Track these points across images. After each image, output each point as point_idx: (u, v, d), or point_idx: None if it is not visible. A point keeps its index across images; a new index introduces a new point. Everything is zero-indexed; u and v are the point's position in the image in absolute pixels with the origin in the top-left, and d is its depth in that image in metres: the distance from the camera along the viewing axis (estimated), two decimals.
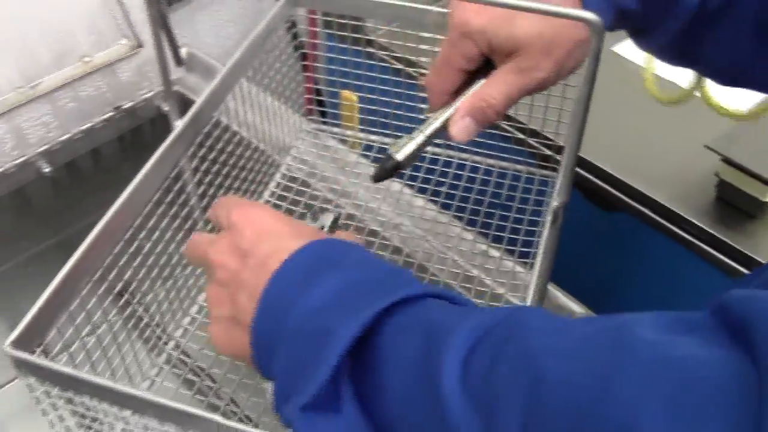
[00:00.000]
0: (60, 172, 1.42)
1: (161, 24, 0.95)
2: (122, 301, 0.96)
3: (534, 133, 1.23)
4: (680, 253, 1.29)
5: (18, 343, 0.74)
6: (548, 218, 0.87)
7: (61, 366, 0.73)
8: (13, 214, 1.41)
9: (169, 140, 0.92)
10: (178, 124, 0.94)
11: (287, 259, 0.63)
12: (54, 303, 0.78)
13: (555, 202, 0.87)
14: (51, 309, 0.78)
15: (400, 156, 0.84)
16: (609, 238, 1.43)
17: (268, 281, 0.62)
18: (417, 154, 0.85)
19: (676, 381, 0.43)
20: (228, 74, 1.00)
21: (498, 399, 0.48)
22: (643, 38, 0.88)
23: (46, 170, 1.37)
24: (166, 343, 1.06)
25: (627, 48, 1.57)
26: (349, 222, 1.15)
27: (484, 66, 0.85)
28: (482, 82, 0.84)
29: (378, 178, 0.86)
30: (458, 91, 0.86)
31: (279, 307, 0.61)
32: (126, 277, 0.92)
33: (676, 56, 0.89)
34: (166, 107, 1.47)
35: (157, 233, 0.96)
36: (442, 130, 0.85)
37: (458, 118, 0.84)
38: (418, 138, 0.85)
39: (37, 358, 0.73)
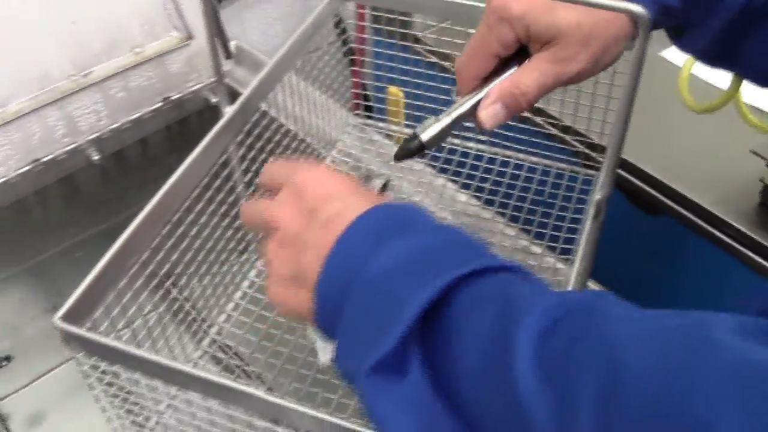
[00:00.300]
0: (108, 161, 1.43)
1: (213, 17, 0.96)
2: (164, 289, 0.97)
3: (577, 133, 1.23)
4: (722, 257, 1.29)
5: (67, 317, 0.75)
6: (590, 211, 0.88)
7: (109, 339, 0.74)
8: (62, 201, 1.43)
9: (218, 127, 0.94)
10: (227, 111, 0.95)
11: (355, 219, 0.62)
12: (102, 280, 0.80)
13: (597, 195, 0.87)
14: (99, 286, 0.80)
15: (424, 136, 0.83)
16: (651, 241, 1.43)
17: (334, 241, 0.61)
18: (442, 137, 0.84)
19: (757, 384, 0.42)
20: (276, 66, 1.01)
21: (572, 383, 0.48)
22: (683, 38, 0.87)
23: (96, 158, 1.39)
24: (208, 329, 1.07)
25: (674, 53, 1.57)
26: None
27: (517, 54, 0.83)
28: (514, 69, 0.83)
29: (400, 157, 0.85)
30: (488, 78, 0.84)
31: (346, 267, 0.60)
32: (169, 264, 0.93)
33: (715, 57, 0.88)
34: (214, 99, 1.49)
35: (204, 217, 0.97)
36: (469, 115, 0.84)
37: (489, 103, 0.82)
38: (444, 120, 0.83)
39: (85, 332, 0.75)
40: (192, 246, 0.97)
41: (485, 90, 0.83)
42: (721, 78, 1.02)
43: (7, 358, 1.58)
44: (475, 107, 0.83)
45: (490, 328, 0.53)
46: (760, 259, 1.24)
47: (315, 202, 0.66)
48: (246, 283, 1.11)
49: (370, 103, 1.45)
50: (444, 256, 0.59)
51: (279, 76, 1.03)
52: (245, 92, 0.96)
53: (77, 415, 1.60)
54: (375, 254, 0.59)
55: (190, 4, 1.44)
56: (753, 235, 1.25)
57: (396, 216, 0.63)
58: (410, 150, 0.83)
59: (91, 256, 1.52)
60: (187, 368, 0.72)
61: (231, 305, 1.08)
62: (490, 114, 0.82)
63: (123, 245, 0.82)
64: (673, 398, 0.43)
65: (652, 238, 1.43)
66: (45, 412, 1.61)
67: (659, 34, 0.87)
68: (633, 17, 0.72)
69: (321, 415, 0.67)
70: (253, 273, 1.12)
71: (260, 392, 0.68)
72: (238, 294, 1.09)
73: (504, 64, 0.84)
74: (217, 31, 1.46)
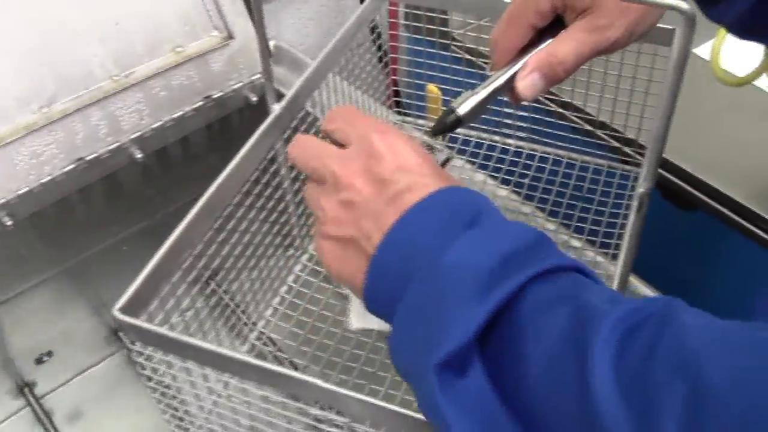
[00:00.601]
0: (150, 159, 1.45)
1: (257, 16, 0.98)
2: (211, 285, 0.98)
3: (615, 130, 1.24)
4: (757, 252, 1.30)
5: (125, 309, 0.77)
6: (634, 204, 0.89)
7: (165, 330, 0.76)
8: (105, 199, 1.45)
9: (267, 123, 0.95)
10: (275, 108, 0.97)
11: (425, 197, 0.61)
12: (157, 273, 0.82)
13: (641, 188, 0.88)
14: (154, 279, 0.81)
15: (461, 110, 0.82)
16: (686, 236, 1.44)
17: (400, 216, 0.61)
18: (479, 110, 0.83)
19: None
20: (321, 63, 1.03)
21: (654, 399, 0.46)
22: (716, 7, 0.84)
23: (138, 156, 1.40)
24: (254, 324, 1.09)
25: (705, 49, 1.58)
26: None
27: (552, 25, 0.83)
28: (549, 41, 0.82)
29: (437, 131, 0.84)
30: (524, 50, 0.83)
31: (408, 248, 0.60)
32: (219, 259, 0.94)
33: (748, 29, 0.87)
34: (254, 97, 1.50)
35: (253, 212, 0.99)
36: (505, 88, 0.83)
37: (526, 73, 0.81)
38: (481, 93, 0.82)
39: (143, 323, 0.76)
40: (240, 241, 0.99)
41: (521, 62, 0.82)
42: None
43: (49, 354, 1.61)
44: (511, 80, 0.83)
45: (563, 332, 0.52)
46: None
47: (388, 173, 0.64)
48: (291, 278, 1.12)
49: (402, 100, 1.47)
50: (515, 255, 0.57)
51: (324, 73, 1.04)
52: (292, 89, 0.98)
53: (117, 410, 1.63)
54: (443, 246, 0.58)
55: (230, 4, 1.46)
56: None
57: (464, 202, 0.62)
58: (447, 124, 0.82)
59: (132, 255, 1.56)
60: (242, 356, 0.73)
61: (277, 299, 1.10)
62: (528, 84, 0.81)
63: (177, 239, 0.83)
64: (761, 413, 0.42)
65: (686, 233, 1.44)
66: (85, 408, 1.64)
67: None
68: (679, 12, 0.73)
69: (378, 402, 0.68)
70: (297, 267, 1.14)
71: (317, 380, 0.70)
72: (284, 288, 1.11)
73: (539, 36, 0.83)
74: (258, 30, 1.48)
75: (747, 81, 1.14)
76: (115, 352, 1.70)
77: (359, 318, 0.76)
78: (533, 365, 0.53)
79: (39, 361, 1.61)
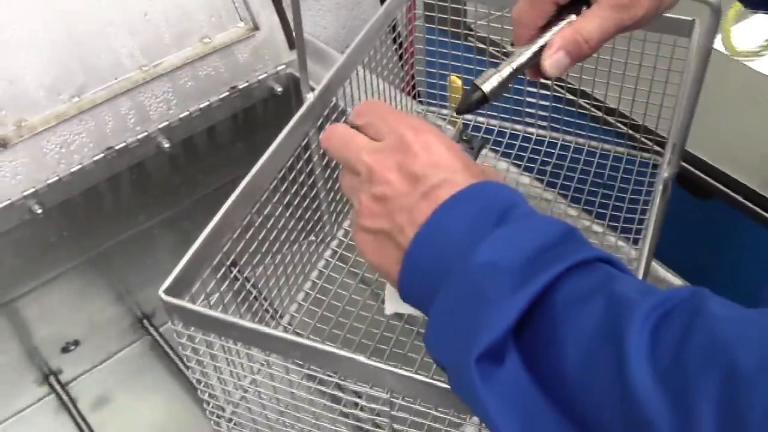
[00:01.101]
0: (177, 149, 1.48)
1: (294, 8, 1.01)
2: (233, 278, 0.97)
3: (634, 119, 1.26)
4: None
5: (169, 291, 0.79)
6: (659, 188, 0.91)
7: (209, 310, 0.78)
8: (132, 188, 1.48)
9: (302, 111, 0.98)
10: (309, 97, 0.99)
11: (456, 193, 0.63)
12: (201, 256, 0.84)
13: (665, 173, 0.91)
14: (198, 261, 0.84)
15: (486, 87, 0.81)
16: (702, 224, 1.47)
17: (433, 211, 0.62)
18: (502, 88, 0.82)
19: None
20: (351, 54, 1.05)
21: (690, 384, 0.47)
22: None
23: (166, 146, 1.43)
24: (280, 319, 1.11)
25: (719, 41, 1.61)
26: None
27: (573, 1, 0.82)
28: (572, 17, 0.81)
29: (461, 110, 0.83)
30: (546, 27, 0.82)
31: (441, 242, 0.61)
32: (246, 254, 0.95)
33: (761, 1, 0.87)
34: (278, 88, 1.53)
35: (286, 197, 1.01)
36: (528, 65, 0.83)
37: (552, 51, 0.80)
38: (504, 71, 0.81)
39: (188, 303, 0.79)
40: (269, 228, 1.01)
41: (544, 39, 0.82)
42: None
43: (76, 343, 1.63)
44: (533, 57, 0.82)
45: (598, 322, 0.54)
46: None
47: (421, 169, 0.65)
48: (315, 274, 1.15)
49: (422, 90, 1.49)
50: (548, 249, 0.59)
51: (353, 65, 1.06)
52: (325, 78, 1.00)
53: (141, 397, 1.65)
54: (476, 241, 0.59)
55: None
56: None
57: (495, 197, 0.63)
58: (472, 102, 0.82)
59: (158, 243, 1.58)
60: (288, 335, 0.75)
61: (301, 295, 1.12)
62: (554, 62, 0.80)
63: (218, 222, 0.85)
64: None
65: (703, 221, 1.46)
66: (110, 395, 1.65)
67: None
68: (706, 5, 0.74)
69: (415, 375, 0.70)
70: (327, 253, 1.16)
71: (359, 356, 0.72)
72: (308, 285, 1.13)
73: (560, 12, 0.82)
74: (282, 22, 1.51)
75: (754, 53, 1.16)
76: (139, 339, 1.73)
77: (394, 304, 0.78)
78: (570, 356, 0.54)
79: (65, 349, 1.63)
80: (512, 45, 0.84)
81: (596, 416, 0.53)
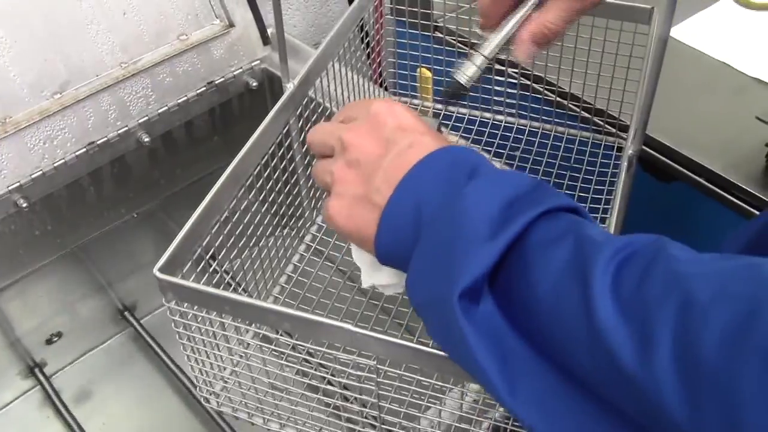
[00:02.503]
0: (156, 143, 1.52)
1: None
2: (212, 268, 0.99)
3: (597, 106, 1.31)
4: (733, 218, 1.37)
5: (163, 269, 0.83)
6: (624, 164, 0.96)
7: (203, 286, 0.82)
8: (115, 181, 1.51)
9: (283, 99, 1.01)
10: (289, 86, 1.03)
11: (428, 154, 0.67)
12: (191, 237, 0.88)
13: (630, 150, 0.96)
14: (189, 241, 0.88)
15: (463, 79, 0.86)
16: (666, 206, 1.51)
17: (408, 170, 0.66)
18: (478, 77, 0.87)
19: None
20: (326, 48, 1.09)
21: (650, 314, 0.51)
22: None
23: (146, 140, 1.47)
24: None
25: (679, 30, 1.66)
26: None
27: None
28: (532, 1, 0.85)
29: (445, 101, 0.89)
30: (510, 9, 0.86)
31: (419, 196, 0.65)
32: (217, 245, 0.97)
33: None
34: (254, 83, 1.57)
35: (264, 191, 1.04)
36: (500, 52, 0.87)
37: (522, 44, 0.85)
38: (478, 60, 0.86)
39: (182, 280, 0.83)
40: (245, 230, 1.04)
41: (510, 23, 0.85)
42: None
43: (59, 334, 1.66)
44: (503, 44, 0.86)
45: (566, 262, 0.57)
46: None
47: (393, 133, 0.70)
48: (290, 268, 1.18)
49: (395, 81, 1.53)
50: (522, 196, 0.63)
51: (328, 58, 1.10)
52: (303, 69, 1.04)
53: (125, 388, 1.67)
54: (453, 194, 0.63)
55: None
56: (761, 196, 1.33)
57: (465, 157, 0.67)
58: (452, 94, 0.87)
59: (139, 236, 1.61)
60: (278, 307, 0.79)
61: (277, 289, 1.16)
62: (525, 53, 0.85)
63: (209, 204, 0.89)
64: (744, 325, 0.47)
65: (666, 203, 1.51)
66: (94, 387, 1.68)
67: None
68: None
69: (401, 341, 0.74)
70: (296, 258, 1.20)
71: (348, 324, 0.76)
72: (283, 278, 1.17)
73: None
74: (256, 19, 1.55)
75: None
76: (121, 330, 1.76)
77: (369, 276, 0.82)
78: (540, 292, 0.58)
79: (49, 341, 1.66)
80: (481, 30, 0.88)
81: (565, 349, 0.57)
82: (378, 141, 0.71)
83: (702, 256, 0.54)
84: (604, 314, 0.53)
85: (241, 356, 0.93)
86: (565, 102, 1.30)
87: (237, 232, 1.01)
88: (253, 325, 0.91)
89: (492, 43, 0.86)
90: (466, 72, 0.86)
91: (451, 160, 0.67)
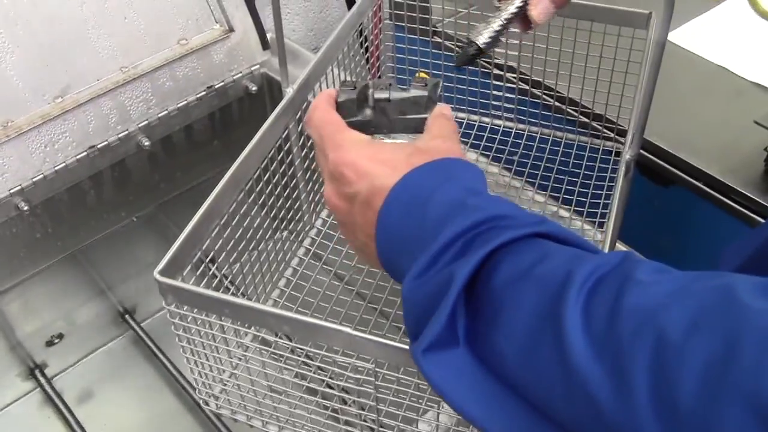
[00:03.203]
0: (156, 146, 1.52)
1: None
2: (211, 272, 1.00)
3: (596, 111, 1.32)
4: (731, 222, 1.38)
5: (163, 272, 0.84)
6: (621, 169, 0.97)
7: (202, 288, 0.83)
8: (115, 185, 1.52)
9: (283, 103, 1.02)
10: (288, 91, 1.04)
11: (386, 198, 0.67)
12: (192, 239, 0.89)
13: (627, 155, 0.96)
14: (189, 245, 0.88)
15: (480, 41, 0.85)
16: (664, 210, 1.52)
17: (377, 219, 0.68)
18: (496, 40, 0.86)
19: None
20: (326, 52, 1.10)
21: (623, 354, 0.50)
22: None
23: (146, 144, 1.47)
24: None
25: (678, 35, 1.67)
26: None
27: None
28: None
29: (461, 62, 0.87)
30: None
31: (395, 245, 0.67)
32: (216, 248, 0.98)
33: None
34: (253, 87, 1.58)
35: (262, 196, 1.05)
36: (517, 16, 0.86)
37: (539, 3, 0.85)
38: (495, 23, 0.85)
39: (181, 283, 0.84)
40: (245, 234, 1.05)
41: None
42: None
43: (60, 336, 1.66)
44: (519, 9, 0.86)
45: (534, 305, 0.56)
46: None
47: (352, 187, 0.71)
48: (289, 272, 1.19)
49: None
50: (473, 239, 0.62)
51: (327, 62, 1.11)
52: (303, 73, 1.05)
53: (125, 390, 1.67)
54: (416, 237, 0.65)
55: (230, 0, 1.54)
56: (759, 200, 1.33)
57: (422, 184, 0.67)
58: (469, 56, 0.86)
59: (139, 239, 1.61)
60: (277, 310, 0.80)
61: (276, 292, 1.16)
62: (541, 12, 0.85)
63: (208, 207, 0.90)
64: (720, 367, 0.46)
65: (665, 207, 1.51)
66: (95, 389, 1.68)
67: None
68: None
69: (400, 345, 0.76)
70: (295, 261, 1.21)
71: (346, 328, 0.76)
72: (282, 282, 1.18)
73: None
74: (255, 23, 1.55)
75: None
76: (121, 333, 1.76)
77: None
78: (514, 337, 0.57)
79: (50, 343, 1.66)
80: (499, 1, 0.88)
81: (542, 393, 0.56)
82: (345, 198, 0.73)
83: (670, 277, 0.53)
84: (579, 355, 0.52)
85: (240, 359, 0.94)
86: (564, 106, 1.31)
87: (236, 236, 1.02)
88: (252, 328, 0.92)
89: (510, 7, 0.86)
90: (484, 35, 0.85)
91: (408, 198, 0.67)
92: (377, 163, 0.71)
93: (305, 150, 1.14)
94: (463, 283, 0.59)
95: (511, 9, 0.86)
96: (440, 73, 1.30)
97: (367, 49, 1.36)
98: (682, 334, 0.48)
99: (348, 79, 0.77)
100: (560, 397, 0.54)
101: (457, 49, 1.37)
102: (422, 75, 1.37)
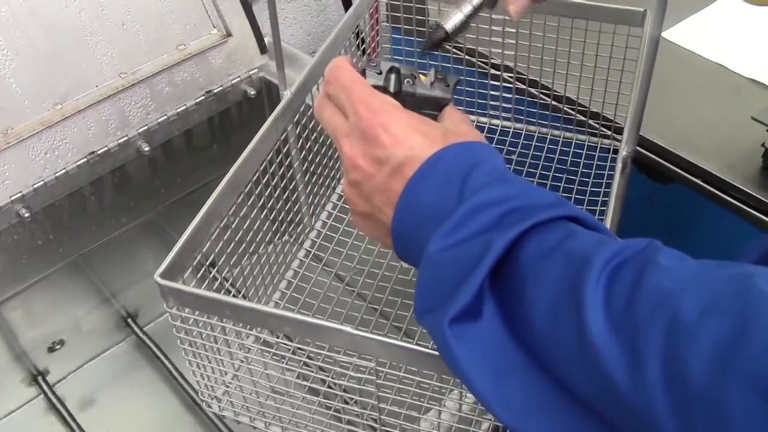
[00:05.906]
0: (156, 152, 1.53)
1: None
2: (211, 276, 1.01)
3: (593, 110, 1.32)
4: (730, 218, 1.38)
5: (164, 275, 0.84)
6: (618, 166, 0.97)
7: (203, 291, 0.83)
8: (115, 190, 1.52)
9: (281, 106, 1.03)
10: (286, 94, 1.04)
11: (419, 168, 0.67)
12: (191, 243, 0.89)
13: (624, 151, 0.96)
14: (190, 248, 0.89)
15: (448, 26, 0.84)
16: (663, 207, 1.52)
17: (403, 189, 0.67)
18: (465, 26, 0.85)
19: None
20: (323, 54, 1.10)
21: (639, 333, 0.51)
22: None
23: (146, 149, 1.48)
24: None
25: (674, 33, 1.67)
26: None
27: None
28: None
29: (427, 47, 0.86)
30: None
31: (417, 214, 0.67)
32: (217, 251, 0.98)
33: None
34: (252, 91, 1.58)
35: (262, 199, 1.06)
36: (486, 5, 0.86)
37: None
38: (465, 9, 0.85)
39: (182, 286, 0.84)
40: (245, 237, 1.05)
41: None
42: None
43: (61, 342, 1.66)
44: None
45: (558, 280, 0.58)
46: (765, 218, 1.33)
47: (384, 151, 0.69)
48: (289, 274, 1.20)
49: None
50: (508, 210, 0.63)
51: (326, 63, 1.11)
52: (300, 76, 1.05)
53: (128, 396, 1.67)
54: (446, 212, 0.64)
55: (227, 3, 1.53)
56: (758, 196, 1.33)
57: (456, 161, 0.67)
58: (434, 41, 0.85)
59: (140, 244, 1.62)
60: (279, 311, 0.80)
61: (277, 294, 1.17)
62: (518, 7, 0.87)
63: (208, 211, 0.90)
64: (731, 348, 0.47)
65: (664, 204, 1.51)
66: (97, 394, 1.68)
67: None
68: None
69: (401, 343, 0.76)
70: (296, 263, 1.21)
71: (348, 327, 0.77)
72: (283, 284, 1.18)
73: None
74: (252, 27, 1.56)
75: None
76: (124, 338, 1.77)
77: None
78: (539, 311, 0.59)
79: (51, 349, 1.66)
80: None
81: (562, 366, 0.58)
82: (373, 161, 0.70)
83: (691, 263, 0.55)
84: (597, 333, 0.53)
85: (242, 361, 0.94)
86: (561, 105, 1.31)
87: (236, 239, 1.02)
88: (254, 329, 0.92)
89: None
90: (453, 20, 0.85)
91: (443, 171, 0.67)
92: (416, 132, 0.70)
93: (304, 152, 1.15)
94: (501, 253, 0.60)
95: None
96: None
97: (364, 52, 1.36)
98: (697, 315, 0.49)
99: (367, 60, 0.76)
100: (578, 370, 0.56)
101: (454, 50, 1.37)
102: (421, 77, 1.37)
